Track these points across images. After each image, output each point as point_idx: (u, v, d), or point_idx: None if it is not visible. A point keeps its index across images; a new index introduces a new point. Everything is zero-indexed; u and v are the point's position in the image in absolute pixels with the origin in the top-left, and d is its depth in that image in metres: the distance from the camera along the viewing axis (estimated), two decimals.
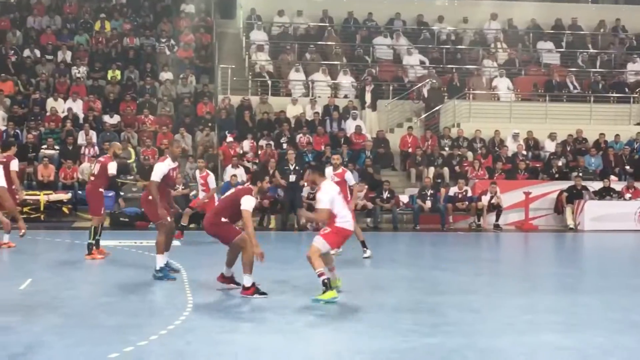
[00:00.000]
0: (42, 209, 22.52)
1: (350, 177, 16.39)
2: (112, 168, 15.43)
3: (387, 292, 12.54)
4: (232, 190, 12.47)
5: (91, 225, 15.35)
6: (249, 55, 30.88)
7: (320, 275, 11.12)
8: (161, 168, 12.82)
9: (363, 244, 16.22)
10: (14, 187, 15.48)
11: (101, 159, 15.75)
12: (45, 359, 7.99)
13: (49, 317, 10.07)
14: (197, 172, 20.29)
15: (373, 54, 32.33)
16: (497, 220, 24.32)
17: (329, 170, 15.58)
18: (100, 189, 15.47)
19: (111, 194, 23.79)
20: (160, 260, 12.88)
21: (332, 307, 10.95)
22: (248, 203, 11.40)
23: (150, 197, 12.93)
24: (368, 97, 29.21)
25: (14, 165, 16.37)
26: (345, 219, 11.53)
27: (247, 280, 11.46)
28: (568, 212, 24.96)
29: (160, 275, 12.79)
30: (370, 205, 23.70)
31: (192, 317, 10.07)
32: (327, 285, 11.12)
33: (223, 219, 11.68)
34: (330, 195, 11.48)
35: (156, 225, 13.30)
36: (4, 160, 15.82)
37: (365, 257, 16.11)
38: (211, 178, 19.32)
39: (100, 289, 12.25)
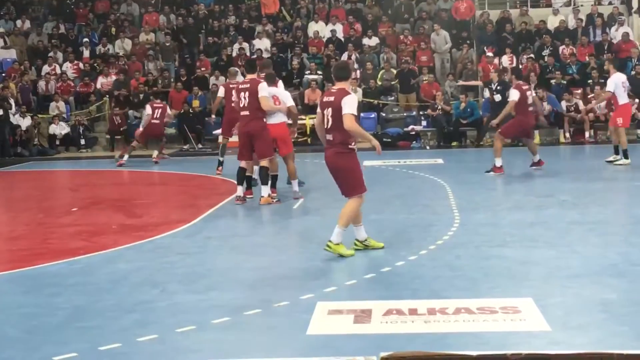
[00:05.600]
0: (308, 132, 23.29)
1: None
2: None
3: None
4: None
5: None
6: None
7: None
8: None
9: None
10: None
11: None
12: (322, 274, 8.36)
13: (323, 234, 10.47)
14: None
15: None
16: None
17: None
18: None
19: (372, 115, 24.26)
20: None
21: (603, 222, 10.61)
22: None
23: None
24: (635, 1, 27.55)
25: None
26: None
27: None
28: None
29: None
30: None
31: (460, 232, 10.12)
32: None
33: None
34: None
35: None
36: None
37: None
38: None
39: (365, 207, 12.51)
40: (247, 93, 12.56)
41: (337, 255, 8.87)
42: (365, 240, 9.30)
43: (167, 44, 27.65)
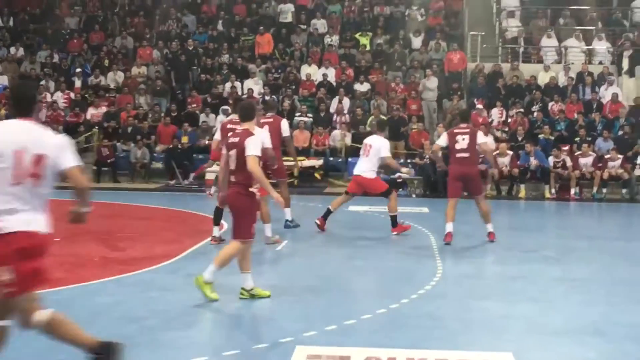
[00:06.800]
0: (296, 174, 23.28)
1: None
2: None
3: None
4: None
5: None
6: (499, 22, 30.29)
7: None
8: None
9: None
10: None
11: None
12: (302, 317, 8.31)
13: (305, 278, 10.45)
14: None
15: (631, 17, 30.71)
16: None
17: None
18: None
19: None
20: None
21: (586, 280, 10.65)
22: None
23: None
24: (625, 63, 27.88)
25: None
26: None
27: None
28: None
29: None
30: (626, 175, 22.64)
31: (442, 282, 10.12)
32: None
33: None
34: None
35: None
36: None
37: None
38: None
39: (349, 253, 12.54)
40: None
41: (201, 293, 8.79)
42: (252, 289, 9.00)
43: (158, 82, 27.71)
